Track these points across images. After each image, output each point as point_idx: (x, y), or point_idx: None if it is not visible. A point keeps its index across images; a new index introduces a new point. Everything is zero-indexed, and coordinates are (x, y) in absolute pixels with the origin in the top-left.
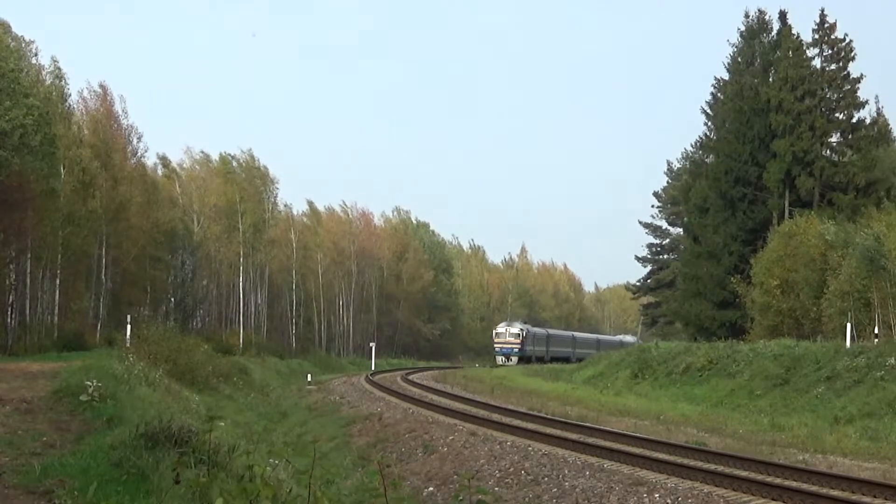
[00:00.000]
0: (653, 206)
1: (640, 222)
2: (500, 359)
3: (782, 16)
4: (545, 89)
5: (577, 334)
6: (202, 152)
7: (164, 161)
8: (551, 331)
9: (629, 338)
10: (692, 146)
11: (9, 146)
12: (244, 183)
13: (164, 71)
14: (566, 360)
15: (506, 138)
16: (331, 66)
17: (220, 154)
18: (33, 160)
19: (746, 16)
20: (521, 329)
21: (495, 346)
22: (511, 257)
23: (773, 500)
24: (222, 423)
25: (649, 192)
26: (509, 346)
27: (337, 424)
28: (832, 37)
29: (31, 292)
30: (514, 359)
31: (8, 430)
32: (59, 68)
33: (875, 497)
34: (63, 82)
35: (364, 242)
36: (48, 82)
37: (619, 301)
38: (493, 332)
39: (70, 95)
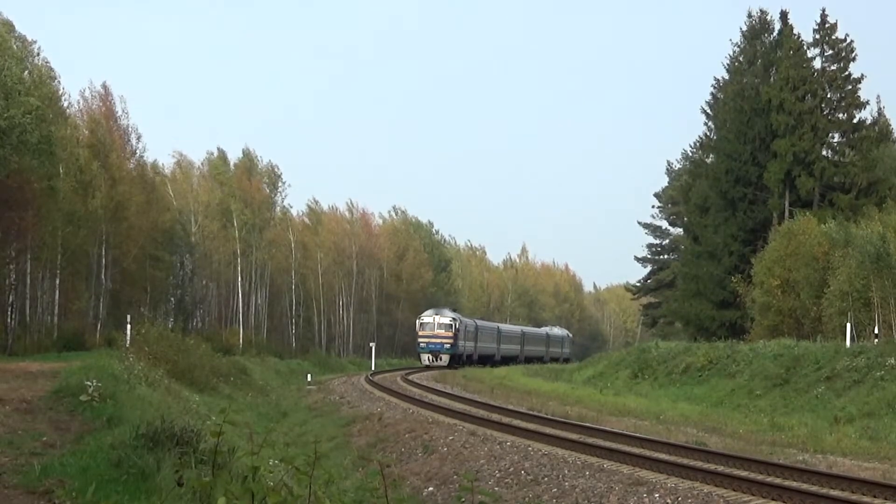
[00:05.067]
0: (653, 207)
1: (639, 223)
2: (425, 358)
3: (783, 16)
4: (545, 89)
5: (502, 326)
6: (209, 151)
7: (155, 167)
8: (480, 322)
9: (557, 330)
10: (692, 146)
11: (7, 145)
12: (245, 181)
13: (165, 71)
14: (491, 357)
15: (506, 138)
16: (330, 66)
17: (216, 152)
18: (32, 159)
19: (749, 16)
20: (454, 319)
21: (419, 340)
22: (511, 257)
23: (773, 500)
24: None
25: (649, 193)
26: (438, 340)
27: (337, 424)
28: (833, 37)
29: (31, 292)
30: (445, 358)
31: (8, 430)
32: (52, 69)
33: (875, 497)
34: (57, 83)
35: (364, 242)
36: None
37: (619, 301)
38: (417, 322)
39: (64, 95)
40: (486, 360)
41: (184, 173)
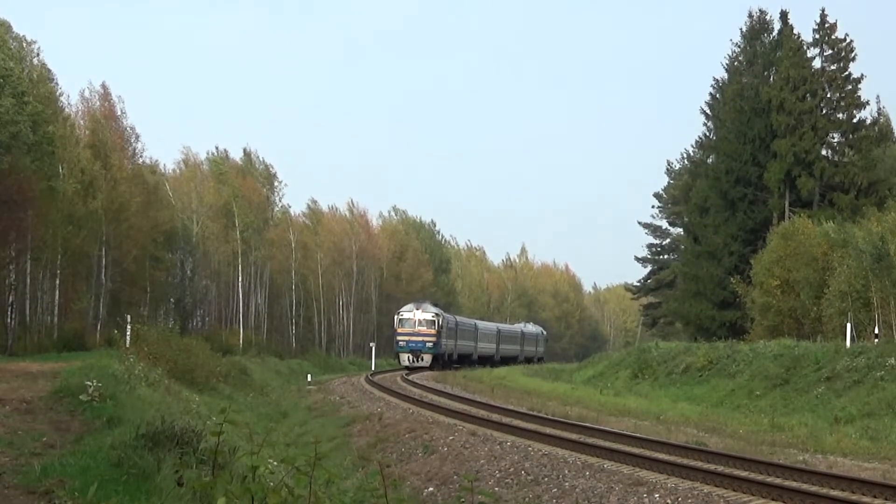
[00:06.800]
0: (653, 207)
1: (639, 223)
2: (405, 357)
3: (783, 16)
4: (546, 89)
5: (479, 323)
6: (210, 152)
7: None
8: (459, 318)
9: (531, 327)
10: (692, 146)
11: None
12: (242, 182)
13: (165, 70)
14: (468, 357)
15: (506, 138)
16: (330, 66)
17: (218, 152)
18: (32, 161)
19: (749, 16)
20: (437, 315)
21: (398, 338)
22: (511, 257)
23: (773, 500)
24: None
25: (649, 192)
26: (419, 339)
27: (337, 424)
28: (833, 37)
29: (31, 292)
30: (427, 358)
31: (8, 430)
32: (49, 69)
33: (875, 497)
34: (54, 84)
35: (364, 242)
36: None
37: (619, 301)
38: (396, 317)
39: (61, 95)
40: (463, 361)
41: (189, 171)
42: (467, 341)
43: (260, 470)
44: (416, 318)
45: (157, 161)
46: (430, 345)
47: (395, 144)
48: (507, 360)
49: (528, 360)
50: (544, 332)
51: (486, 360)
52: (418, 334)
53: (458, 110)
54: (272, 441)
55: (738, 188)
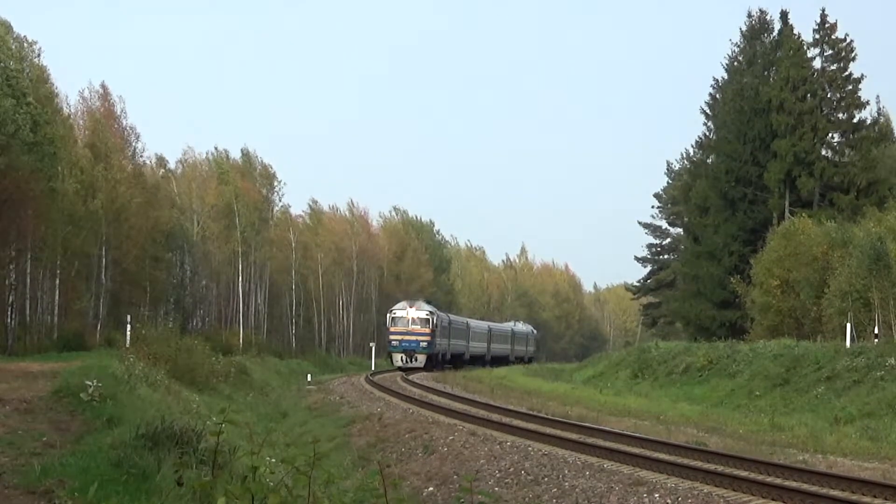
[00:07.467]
0: (653, 207)
1: (639, 223)
2: (398, 358)
3: (783, 16)
4: (545, 89)
5: (471, 321)
6: (210, 151)
7: (161, 161)
8: (452, 316)
9: (521, 325)
10: (692, 146)
11: None
12: (241, 182)
13: (164, 69)
14: (460, 356)
15: (506, 138)
16: (331, 66)
17: (217, 152)
18: (28, 159)
19: (749, 16)
20: (431, 313)
21: (391, 338)
22: (511, 257)
23: (773, 500)
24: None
25: (649, 193)
26: (413, 338)
27: (337, 424)
28: (833, 37)
29: (31, 292)
30: (421, 358)
31: (8, 430)
32: (45, 69)
33: (875, 497)
34: (51, 84)
35: (364, 242)
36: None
37: (619, 301)
38: (388, 316)
39: (58, 96)
40: (454, 361)
41: (190, 171)
42: (460, 340)
43: (260, 470)
44: (410, 316)
45: (161, 156)
46: (424, 344)
47: (396, 144)
48: (497, 360)
49: (519, 360)
50: (535, 332)
51: (477, 361)
52: (412, 333)
53: (458, 110)
54: (272, 441)
55: (738, 188)
